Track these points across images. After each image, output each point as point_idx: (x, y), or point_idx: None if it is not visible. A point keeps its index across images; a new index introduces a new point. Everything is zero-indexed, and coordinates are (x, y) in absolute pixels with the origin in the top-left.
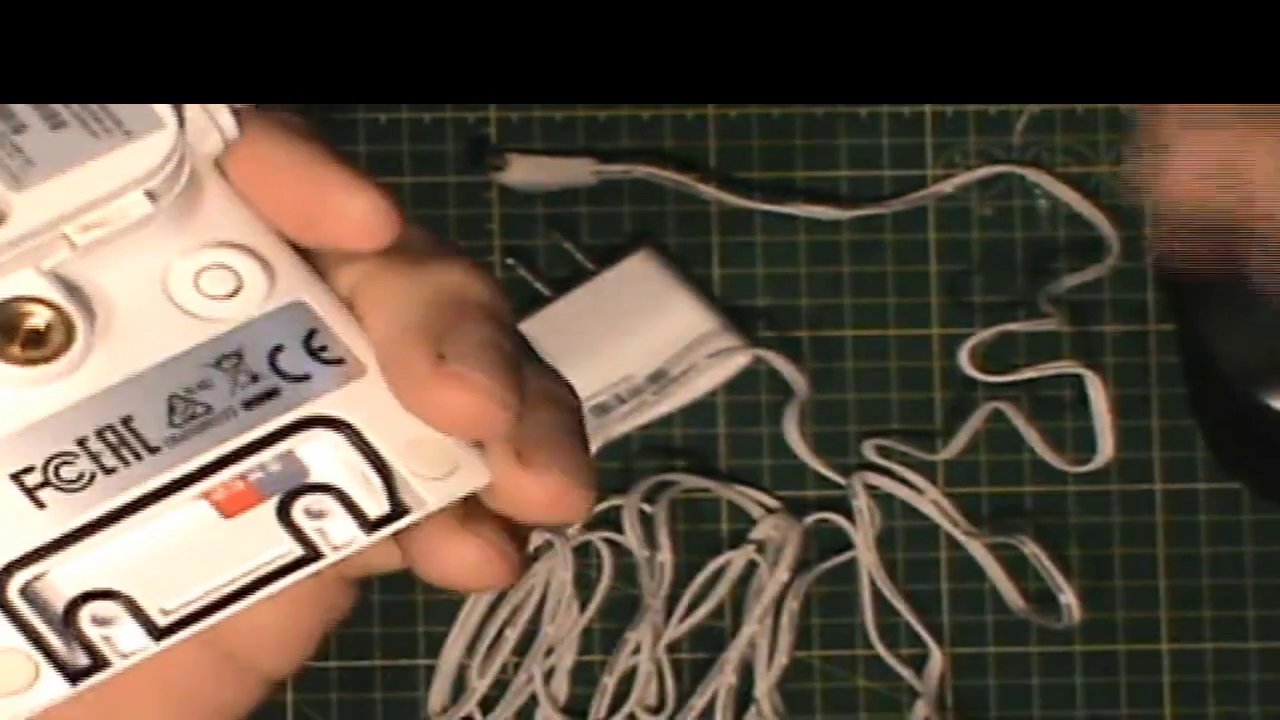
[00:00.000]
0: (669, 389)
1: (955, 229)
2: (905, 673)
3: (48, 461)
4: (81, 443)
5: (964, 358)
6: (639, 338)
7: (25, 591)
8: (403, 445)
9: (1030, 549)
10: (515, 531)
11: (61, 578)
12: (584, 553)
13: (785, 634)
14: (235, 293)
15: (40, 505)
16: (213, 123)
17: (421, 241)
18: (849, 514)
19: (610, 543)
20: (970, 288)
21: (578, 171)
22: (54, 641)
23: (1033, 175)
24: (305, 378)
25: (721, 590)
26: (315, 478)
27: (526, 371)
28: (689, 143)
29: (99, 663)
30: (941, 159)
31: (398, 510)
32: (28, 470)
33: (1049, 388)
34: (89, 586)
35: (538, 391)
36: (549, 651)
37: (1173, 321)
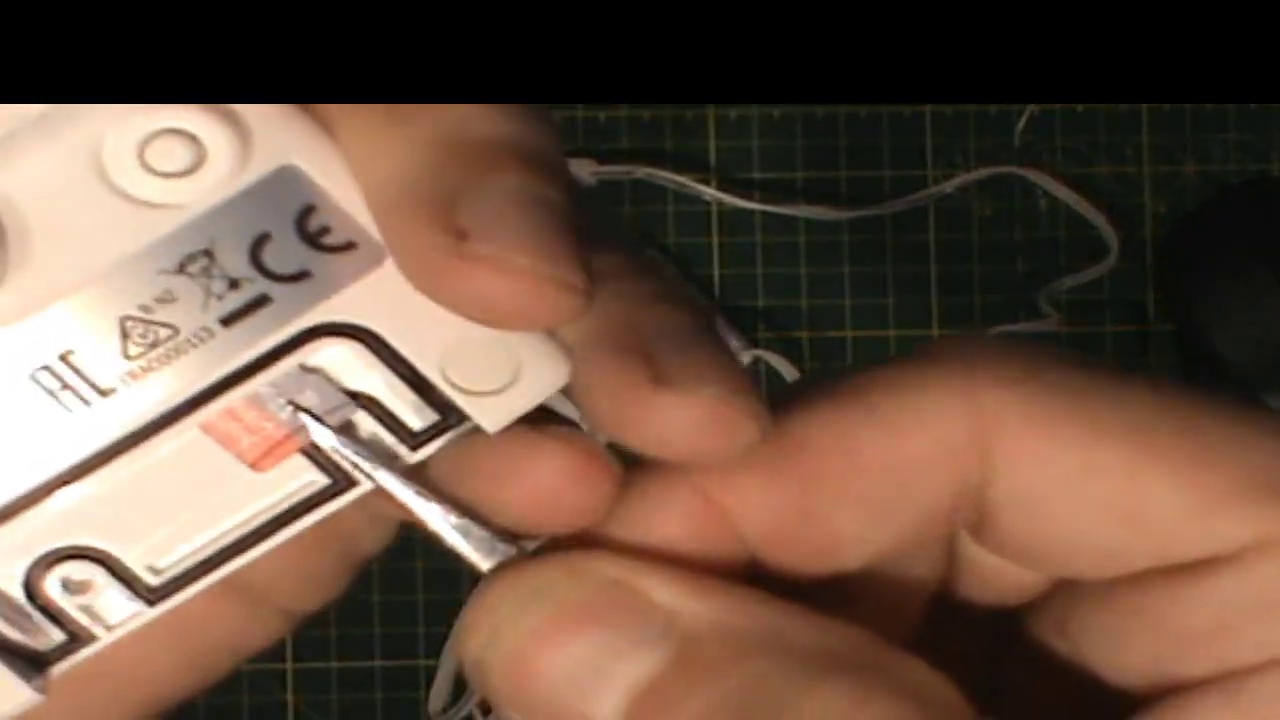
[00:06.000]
0: None
1: (955, 229)
2: None
3: None
4: (12, 390)
5: None
6: None
7: None
8: (443, 350)
9: None
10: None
11: (23, 537)
12: None
13: None
14: (197, 166)
15: None
16: None
17: None
18: None
19: None
20: (970, 288)
21: (578, 172)
22: (12, 636)
23: (1032, 176)
24: (303, 275)
25: None
26: (338, 382)
27: (609, 249)
28: (689, 143)
29: (78, 638)
30: (941, 159)
31: (448, 417)
32: None
33: None
34: (55, 544)
35: (656, 292)
36: None
37: (1172, 322)
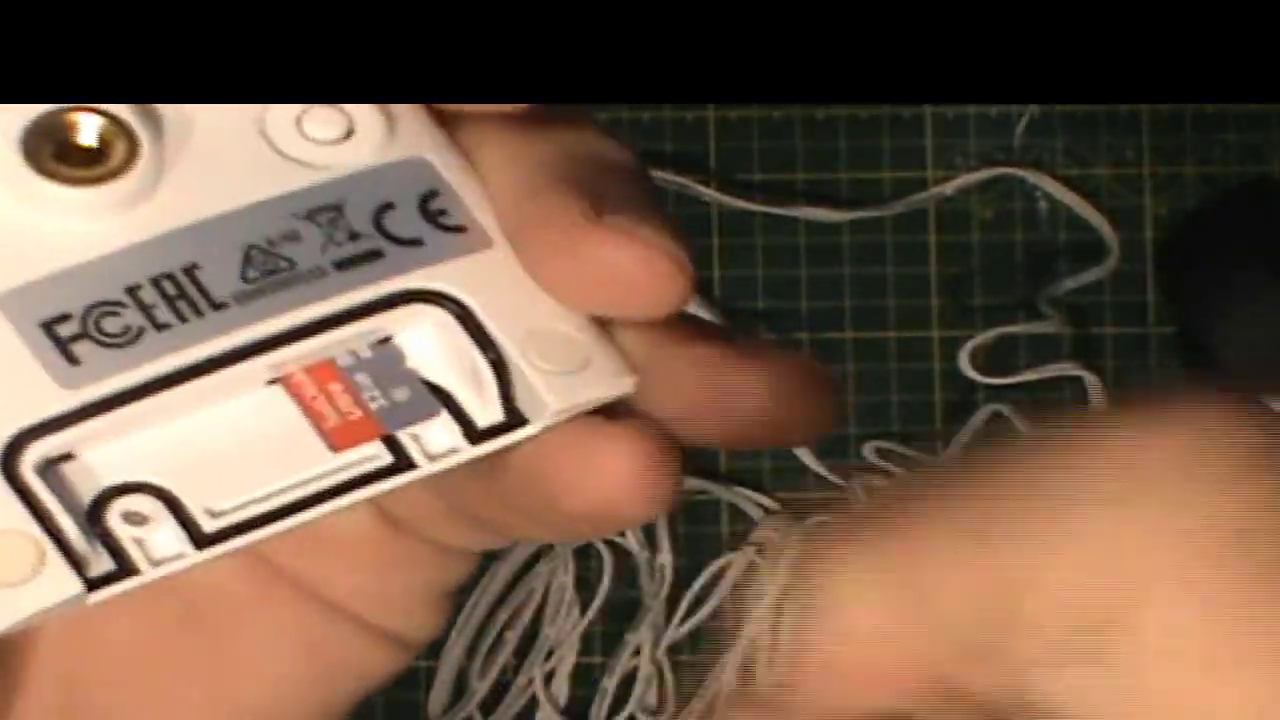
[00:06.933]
0: None
1: (955, 231)
2: None
3: (89, 310)
4: (133, 291)
5: (964, 360)
6: None
7: (48, 471)
8: (524, 332)
9: None
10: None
11: (98, 465)
12: (584, 555)
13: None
14: (345, 138)
15: (73, 361)
16: None
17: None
18: None
19: (610, 544)
20: (970, 290)
21: None
22: (71, 534)
23: (1033, 177)
24: (416, 242)
25: (722, 592)
26: (413, 367)
27: None
28: (689, 145)
29: (125, 568)
30: (942, 161)
31: (513, 418)
32: (62, 319)
33: (1049, 390)
34: (126, 477)
35: (602, 147)
36: (549, 654)
37: (1173, 323)
